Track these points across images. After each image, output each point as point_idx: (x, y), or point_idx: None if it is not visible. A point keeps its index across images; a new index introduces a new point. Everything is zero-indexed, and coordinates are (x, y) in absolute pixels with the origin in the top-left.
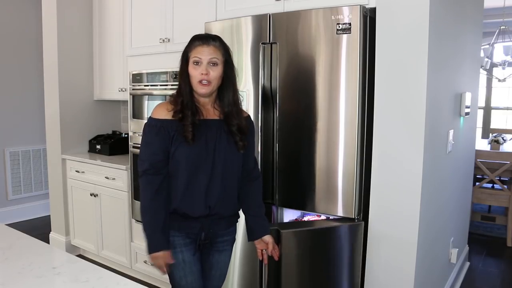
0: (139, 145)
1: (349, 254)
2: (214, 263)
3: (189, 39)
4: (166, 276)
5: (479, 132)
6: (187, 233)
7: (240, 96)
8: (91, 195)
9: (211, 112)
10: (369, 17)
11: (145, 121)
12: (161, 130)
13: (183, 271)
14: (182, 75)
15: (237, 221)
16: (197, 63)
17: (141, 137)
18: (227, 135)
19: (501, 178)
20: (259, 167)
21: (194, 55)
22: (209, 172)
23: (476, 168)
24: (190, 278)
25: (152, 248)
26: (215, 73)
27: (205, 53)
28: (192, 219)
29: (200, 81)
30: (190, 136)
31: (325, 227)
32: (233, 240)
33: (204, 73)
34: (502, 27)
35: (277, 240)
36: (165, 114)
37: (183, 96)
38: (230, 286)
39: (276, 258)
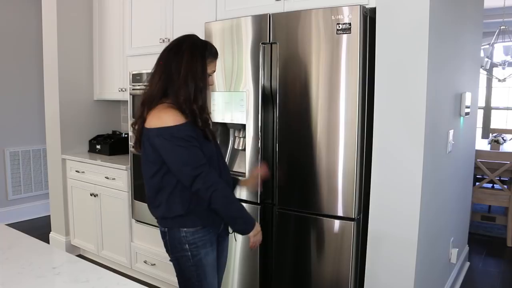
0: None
1: (349, 253)
2: (221, 250)
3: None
4: (166, 276)
5: (479, 132)
6: (215, 228)
7: None
8: (91, 195)
9: None
10: (369, 17)
11: None
12: (191, 134)
13: (214, 269)
14: (202, 77)
15: None
16: (211, 73)
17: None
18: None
19: (501, 178)
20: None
21: (212, 68)
22: (226, 165)
23: (476, 168)
24: (216, 276)
25: (252, 222)
26: None
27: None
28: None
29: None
30: (211, 135)
31: (324, 217)
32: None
33: (213, 84)
34: (502, 27)
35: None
36: (183, 119)
37: (202, 99)
38: (230, 286)
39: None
